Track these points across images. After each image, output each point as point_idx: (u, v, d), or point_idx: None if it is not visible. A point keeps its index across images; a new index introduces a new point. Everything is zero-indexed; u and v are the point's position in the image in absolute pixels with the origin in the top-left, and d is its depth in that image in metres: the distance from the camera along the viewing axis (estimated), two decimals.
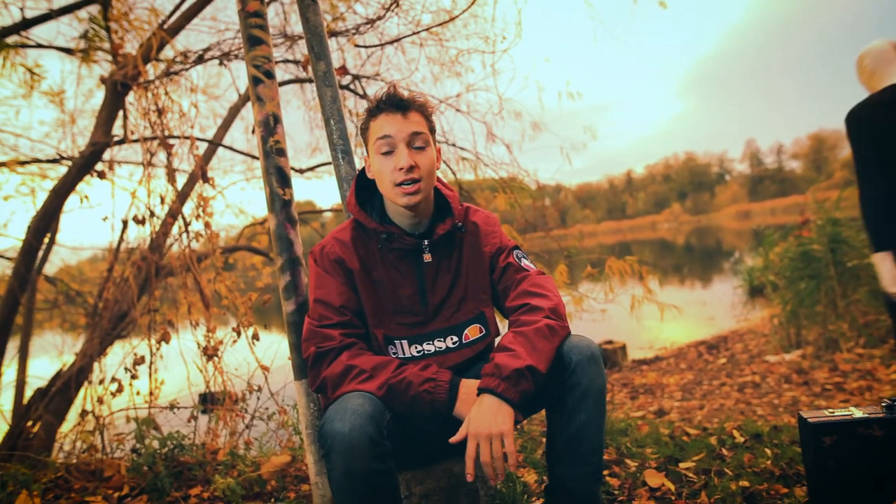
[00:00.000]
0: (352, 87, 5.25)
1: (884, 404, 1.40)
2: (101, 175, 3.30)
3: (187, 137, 3.64)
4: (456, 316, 1.54)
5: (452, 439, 1.30)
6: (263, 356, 3.09)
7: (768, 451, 2.17)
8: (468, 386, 1.38)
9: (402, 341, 1.51)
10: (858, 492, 1.37)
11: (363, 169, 1.59)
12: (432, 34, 4.85)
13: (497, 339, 1.64)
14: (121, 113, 3.48)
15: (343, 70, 3.69)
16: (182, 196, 3.47)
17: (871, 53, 2.47)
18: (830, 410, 1.44)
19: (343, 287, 1.48)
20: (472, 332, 1.56)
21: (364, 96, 5.43)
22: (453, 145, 5.63)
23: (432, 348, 1.52)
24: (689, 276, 21.35)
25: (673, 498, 1.91)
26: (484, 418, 1.26)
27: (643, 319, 6.22)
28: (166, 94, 3.17)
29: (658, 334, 8.96)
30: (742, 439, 2.37)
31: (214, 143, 4.41)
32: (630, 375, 6.82)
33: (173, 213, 3.29)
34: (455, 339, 1.54)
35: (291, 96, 6.09)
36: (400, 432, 1.39)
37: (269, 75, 1.87)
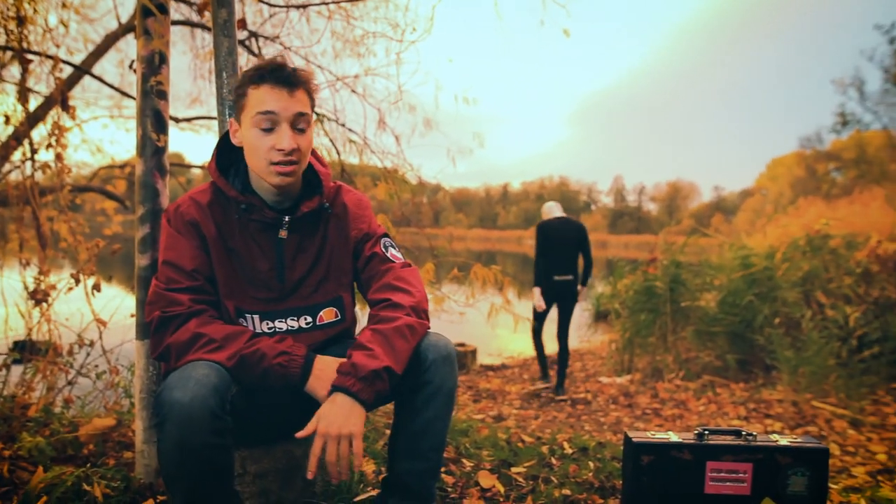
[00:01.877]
0: (247, 43, 4.99)
1: (696, 431, 1.57)
2: None
3: (50, 56, 3.26)
4: (313, 297, 1.50)
5: (299, 434, 1.25)
6: (102, 310, 2.84)
7: (591, 464, 2.35)
8: (322, 362, 1.35)
9: (254, 316, 1.44)
10: None
11: (227, 133, 1.47)
12: (341, 8, 4.74)
13: (357, 328, 1.63)
14: None
15: (242, 23, 3.49)
16: (32, 119, 3.10)
17: (546, 205, 6.03)
18: (652, 433, 1.58)
19: (196, 251, 1.39)
20: (328, 314, 1.52)
21: (258, 55, 5.18)
22: (342, 125, 5.53)
23: (284, 326, 1.47)
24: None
25: (501, 500, 2.00)
26: (335, 418, 1.24)
27: (497, 328, 6.47)
28: (31, 1, 2.81)
29: (508, 344, 9.37)
30: (570, 451, 2.54)
31: (82, 70, 3.99)
32: (476, 379, 7.08)
33: (18, 137, 2.93)
34: (309, 319, 1.50)
35: (178, 39, 5.66)
36: (244, 408, 1.33)
37: (163, 9, 1.73)
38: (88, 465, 1.80)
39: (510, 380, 7.15)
